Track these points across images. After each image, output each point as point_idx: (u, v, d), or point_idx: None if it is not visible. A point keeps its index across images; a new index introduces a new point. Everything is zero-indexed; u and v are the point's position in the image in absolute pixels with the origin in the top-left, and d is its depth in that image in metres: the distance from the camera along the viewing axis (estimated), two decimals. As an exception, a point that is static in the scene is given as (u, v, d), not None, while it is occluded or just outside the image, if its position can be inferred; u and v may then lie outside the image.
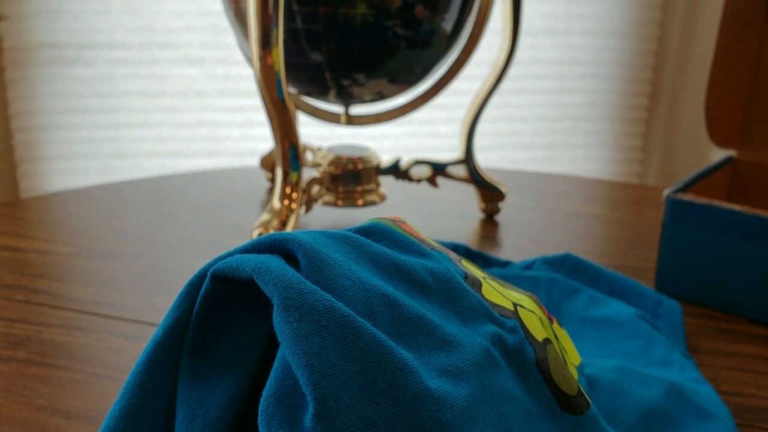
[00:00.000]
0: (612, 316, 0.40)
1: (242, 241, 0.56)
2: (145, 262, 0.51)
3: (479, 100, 0.60)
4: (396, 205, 0.65)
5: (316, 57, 0.50)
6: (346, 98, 0.54)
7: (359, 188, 0.57)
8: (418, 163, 0.61)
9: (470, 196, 0.68)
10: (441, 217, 0.62)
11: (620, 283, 0.45)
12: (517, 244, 0.57)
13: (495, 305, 0.24)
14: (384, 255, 0.22)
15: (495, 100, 1.49)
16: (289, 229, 0.51)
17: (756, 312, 0.44)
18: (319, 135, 1.44)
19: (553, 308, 0.42)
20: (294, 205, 0.51)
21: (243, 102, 1.42)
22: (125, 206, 0.62)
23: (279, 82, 0.48)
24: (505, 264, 0.48)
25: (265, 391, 0.18)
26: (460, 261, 0.26)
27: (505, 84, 1.49)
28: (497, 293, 0.26)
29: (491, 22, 1.37)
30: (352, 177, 0.57)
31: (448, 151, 1.50)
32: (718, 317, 0.45)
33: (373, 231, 0.24)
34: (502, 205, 0.64)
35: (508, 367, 0.22)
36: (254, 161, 1.46)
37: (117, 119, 1.40)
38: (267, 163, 0.69)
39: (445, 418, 0.18)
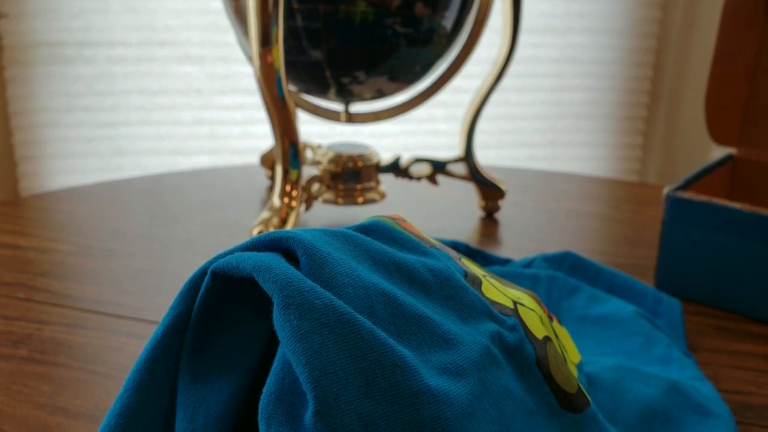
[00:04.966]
0: (612, 314, 0.40)
1: (242, 240, 0.56)
2: (144, 260, 0.51)
3: (479, 98, 0.60)
4: (396, 203, 0.65)
5: (316, 55, 0.50)
6: (346, 96, 0.54)
7: (359, 186, 0.57)
8: (418, 161, 0.61)
9: (470, 194, 0.68)
10: (441, 215, 0.62)
11: (620, 281, 0.45)
12: (517, 242, 0.57)
13: (495, 303, 0.24)
14: (384, 253, 0.22)
15: (495, 98, 1.49)
16: (289, 227, 0.51)
17: (756, 310, 0.44)
18: (319, 133, 1.44)
19: (553, 306, 0.42)
20: (294, 203, 0.51)
21: (243, 100, 1.42)
22: (125, 204, 0.62)
23: (279, 80, 0.48)
24: (505, 262, 0.48)
25: (265, 389, 0.18)
26: (460, 259, 0.26)
27: (505, 82, 1.49)
28: (497, 291, 0.26)
29: (491, 20, 1.37)
30: (352, 175, 0.57)
31: (448, 149, 1.50)
32: (718, 315, 0.45)
33: (373, 229, 0.24)
34: (502, 203, 0.64)
35: (508, 365, 0.22)
36: (254, 159, 1.46)
37: (116, 117, 1.40)
38: (267, 161, 0.69)
39: (445, 416, 0.18)
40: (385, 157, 1.25)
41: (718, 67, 0.56)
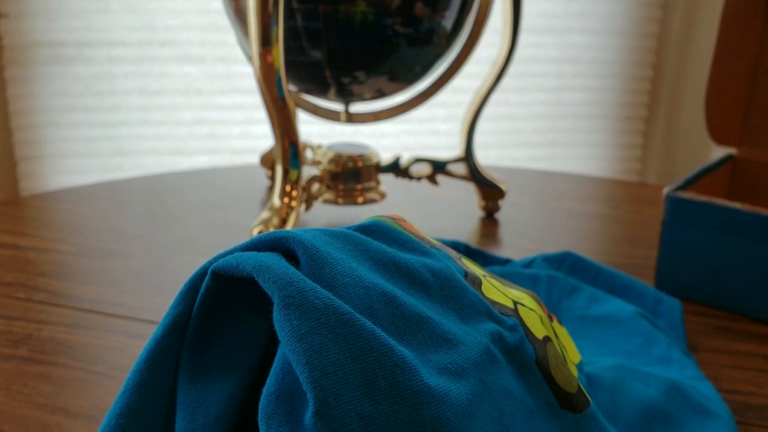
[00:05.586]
0: (612, 314, 0.40)
1: (242, 240, 0.56)
2: (144, 260, 0.51)
3: (479, 98, 0.60)
4: (396, 203, 0.65)
5: (316, 55, 0.50)
6: (346, 96, 0.54)
7: (359, 186, 0.57)
8: (418, 161, 0.61)
9: (470, 194, 0.68)
10: (441, 215, 0.62)
11: (620, 281, 0.45)
12: (517, 242, 0.57)
13: (495, 303, 0.24)
14: (384, 253, 0.22)
15: (495, 98, 1.49)
16: (289, 227, 0.51)
17: (756, 310, 0.44)
18: (319, 133, 1.44)
19: (552, 306, 0.42)
20: (294, 203, 0.51)
21: (243, 100, 1.42)
22: (125, 204, 0.62)
23: (279, 79, 0.48)
24: (505, 262, 0.48)
25: (266, 389, 0.18)
26: (460, 259, 0.26)
27: (505, 82, 1.49)
28: (497, 291, 0.26)
29: (491, 20, 1.37)
30: (352, 175, 0.57)
31: (448, 149, 1.50)
32: (718, 315, 0.45)
33: (373, 229, 0.24)
34: (502, 203, 0.64)
35: (508, 365, 0.22)
36: (254, 159, 1.46)
37: (116, 117, 1.40)
38: (267, 161, 0.69)
39: (445, 416, 0.18)
40: (385, 157, 1.25)
41: (718, 67, 0.56)
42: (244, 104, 1.43)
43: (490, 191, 0.62)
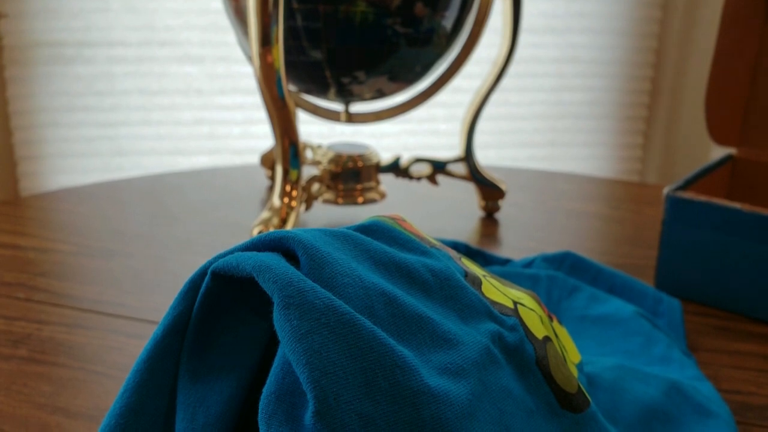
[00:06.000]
0: (612, 314, 0.40)
1: (242, 240, 0.56)
2: (144, 260, 0.51)
3: (479, 98, 0.60)
4: (396, 203, 0.65)
5: (316, 55, 0.50)
6: (346, 96, 0.54)
7: (359, 186, 0.57)
8: (418, 161, 0.61)
9: (470, 194, 0.68)
10: (441, 215, 0.62)
11: (620, 281, 0.45)
12: (517, 242, 0.57)
13: (495, 303, 0.24)
14: (384, 253, 0.22)
15: (495, 97, 1.49)
16: (289, 227, 0.51)
17: (756, 310, 0.44)
18: (319, 133, 1.44)
19: (552, 306, 0.42)
20: (294, 203, 0.51)
21: (243, 100, 1.42)
22: (124, 204, 0.62)
23: (279, 79, 0.48)
24: (505, 262, 0.48)
25: (266, 389, 0.18)
26: (460, 259, 0.26)
27: (505, 82, 1.49)
28: (497, 291, 0.26)
29: (491, 20, 1.37)
30: (352, 175, 0.57)
31: (448, 149, 1.50)
32: (718, 315, 0.45)
33: (373, 229, 0.24)
34: (502, 203, 0.64)
35: (508, 365, 0.22)
36: (254, 159, 1.46)
37: (116, 117, 1.40)
38: (267, 161, 0.69)
39: (445, 416, 0.18)
40: (385, 157, 1.25)
41: (718, 67, 0.56)
42: (244, 104, 1.43)
43: (490, 191, 0.62)
